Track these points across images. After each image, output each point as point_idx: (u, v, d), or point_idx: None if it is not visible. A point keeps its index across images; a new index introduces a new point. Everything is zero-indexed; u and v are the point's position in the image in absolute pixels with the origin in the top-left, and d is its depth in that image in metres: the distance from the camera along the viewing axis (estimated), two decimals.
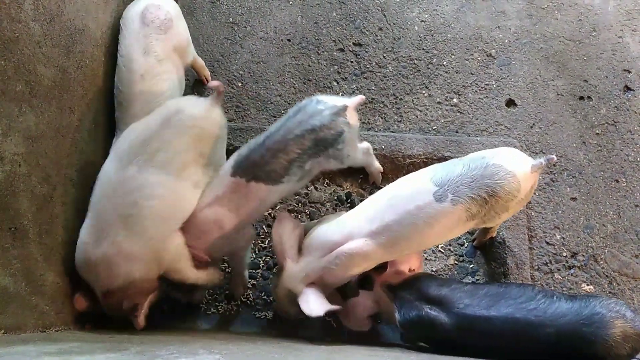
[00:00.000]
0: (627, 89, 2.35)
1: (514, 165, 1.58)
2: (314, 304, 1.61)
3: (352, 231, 1.63)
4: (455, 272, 2.10)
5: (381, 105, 2.31)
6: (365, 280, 1.77)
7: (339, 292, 1.80)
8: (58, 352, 1.25)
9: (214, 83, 1.81)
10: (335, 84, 2.34)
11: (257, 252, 2.12)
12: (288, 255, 1.71)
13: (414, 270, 1.78)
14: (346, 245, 1.62)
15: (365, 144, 1.99)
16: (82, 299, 1.69)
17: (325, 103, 1.73)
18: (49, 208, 1.60)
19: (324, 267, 1.65)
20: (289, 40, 2.41)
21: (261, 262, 2.11)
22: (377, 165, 2.11)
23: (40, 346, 1.31)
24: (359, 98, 1.78)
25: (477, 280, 2.10)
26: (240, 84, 2.34)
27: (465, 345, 1.59)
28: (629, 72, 2.37)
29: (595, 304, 1.48)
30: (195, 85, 2.31)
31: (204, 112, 1.74)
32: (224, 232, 1.74)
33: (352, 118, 1.76)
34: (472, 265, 2.13)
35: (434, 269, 2.10)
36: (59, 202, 1.64)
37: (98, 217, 1.66)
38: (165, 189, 1.66)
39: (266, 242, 2.13)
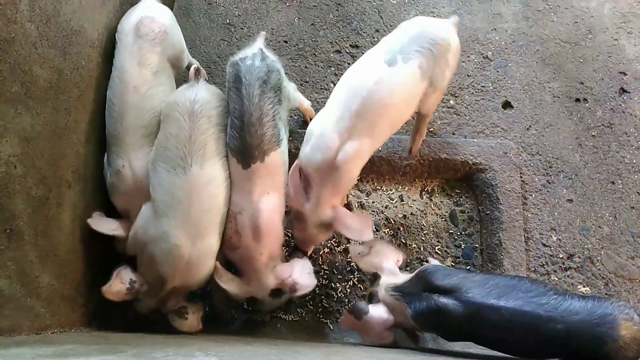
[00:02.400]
0: (623, 91, 2.36)
1: (441, 21, 1.87)
2: (354, 224, 1.74)
3: (332, 138, 1.70)
4: None
5: None
6: (370, 296, 1.75)
7: (350, 313, 1.76)
8: (53, 355, 1.24)
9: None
10: (332, 85, 2.34)
11: None
12: (303, 200, 1.76)
13: (398, 261, 1.81)
14: (338, 159, 1.68)
15: (292, 83, 2.05)
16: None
17: (247, 57, 1.79)
18: (45, 210, 1.60)
19: (331, 187, 1.72)
20: (285, 41, 2.42)
21: None
22: (306, 101, 2.20)
23: (35, 348, 1.31)
24: (262, 34, 1.91)
25: None
26: None
27: (476, 336, 1.59)
28: (625, 74, 2.38)
29: (607, 305, 1.48)
30: None
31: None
32: (281, 212, 1.79)
33: (271, 54, 1.84)
34: (469, 267, 2.14)
35: None
36: (54, 203, 1.64)
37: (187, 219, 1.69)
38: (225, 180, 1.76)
39: None
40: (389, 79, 1.70)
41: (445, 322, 1.58)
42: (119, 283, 1.70)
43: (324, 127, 1.73)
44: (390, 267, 1.77)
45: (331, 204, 1.75)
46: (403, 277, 1.73)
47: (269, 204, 1.74)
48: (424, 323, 1.65)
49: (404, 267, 2.06)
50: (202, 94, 1.76)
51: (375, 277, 1.79)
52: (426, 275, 1.65)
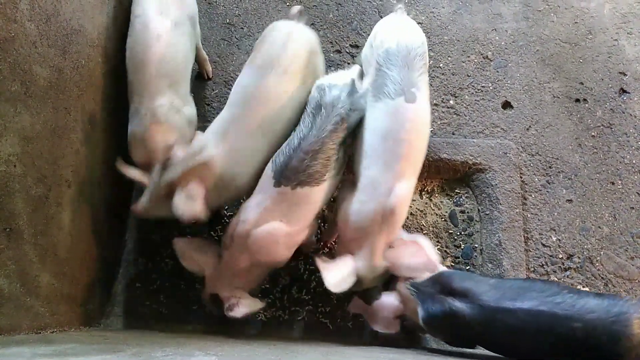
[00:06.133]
0: (623, 91, 2.36)
1: (407, 24, 1.89)
2: (413, 261, 1.70)
3: (383, 188, 1.68)
4: None
5: None
6: (387, 284, 1.77)
7: (361, 298, 1.80)
8: (53, 354, 1.24)
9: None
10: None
11: None
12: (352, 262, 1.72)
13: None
14: (392, 201, 1.66)
15: None
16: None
17: (336, 86, 1.75)
18: (44, 209, 1.60)
19: (389, 232, 1.69)
20: None
21: None
22: None
23: (35, 347, 1.30)
24: (357, 67, 1.84)
25: None
26: None
27: (488, 340, 1.59)
28: (625, 74, 2.38)
29: (622, 302, 1.47)
30: (195, 81, 2.31)
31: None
32: (283, 242, 1.72)
33: (360, 87, 1.80)
34: (468, 267, 2.13)
35: None
36: (54, 203, 1.64)
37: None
38: None
39: None
40: (419, 115, 1.72)
41: (458, 326, 1.57)
42: None
43: (370, 178, 1.71)
44: (416, 264, 1.74)
45: (382, 252, 1.72)
46: (422, 276, 1.72)
47: (270, 227, 1.69)
48: (434, 325, 1.64)
49: None
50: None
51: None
52: (443, 278, 1.64)
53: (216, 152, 1.74)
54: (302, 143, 1.68)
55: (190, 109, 1.93)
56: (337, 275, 1.66)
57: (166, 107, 1.81)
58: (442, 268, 1.72)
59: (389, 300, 1.75)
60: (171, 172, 1.75)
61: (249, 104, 1.75)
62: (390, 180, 1.68)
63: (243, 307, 1.70)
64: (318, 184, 1.70)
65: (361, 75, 1.88)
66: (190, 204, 1.71)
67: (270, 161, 1.74)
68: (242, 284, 1.74)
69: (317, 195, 1.72)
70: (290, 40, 1.79)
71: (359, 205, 1.71)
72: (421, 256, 1.68)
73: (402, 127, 1.69)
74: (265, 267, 1.78)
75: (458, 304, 1.56)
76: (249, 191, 1.78)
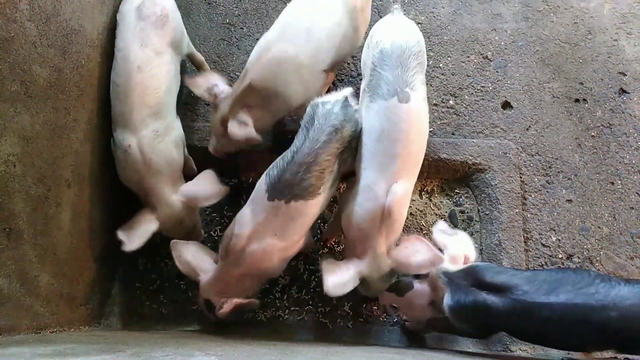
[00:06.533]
0: (622, 91, 2.36)
1: (403, 23, 1.89)
2: (419, 258, 1.69)
3: (379, 190, 1.68)
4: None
5: None
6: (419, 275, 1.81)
7: (393, 291, 1.81)
8: (52, 354, 1.24)
9: None
10: (332, 86, 2.34)
11: None
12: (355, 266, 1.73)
13: (469, 258, 1.79)
14: (388, 201, 1.66)
15: None
16: None
17: (328, 101, 1.74)
18: (44, 209, 1.60)
19: (388, 233, 1.70)
20: None
21: None
22: None
23: (34, 347, 1.30)
24: (349, 89, 1.83)
25: None
26: None
27: (523, 332, 1.62)
28: (624, 74, 2.38)
29: None
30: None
31: None
32: (278, 256, 1.71)
33: (355, 104, 1.79)
34: None
35: None
36: (53, 202, 1.64)
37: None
38: None
39: None
40: (399, 113, 1.70)
41: (488, 319, 1.59)
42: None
43: (368, 179, 1.71)
44: (456, 254, 1.77)
45: (386, 251, 1.73)
46: (455, 268, 1.74)
47: (264, 243, 1.68)
48: (461, 315, 1.66)
49: None
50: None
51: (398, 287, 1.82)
52: (477, 271, 1.65)
53: (254, 73, 1.83)
54: (296, 156, 1.66)
55: (175, 132, 1.95)
56: (337, 279, 1.65)
57: (150, 137, 1.83)
58: (475, 260, 1.76)
59: (422, 288, 1.77)
60: (222, 108, 1.88)
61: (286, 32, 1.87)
62: (386, 181, 1.68)
63: (231, 303, 1.69)
64: (312, 198, 1.68)
65: (354, 94, 1.86)
66: (242, 128, 1.84)
67: (264, 174, 1.73)
68: (236, 293, 1.74)
69: (311, 209, 1.70)
70: None
71: (359, 206, 1.71)
72: (426, 252, 1.68)
73: (396, 127, 1.69)
74: (258, 279, 1.78)
75: (492, 298, 1.58)
76: (302, 105, 1.84)
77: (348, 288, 1.66)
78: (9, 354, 1.21)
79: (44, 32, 1.56)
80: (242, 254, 1.68)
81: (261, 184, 1.71)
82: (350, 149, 1.75)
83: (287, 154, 1.70)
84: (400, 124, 1.68)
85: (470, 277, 1.64)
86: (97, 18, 1.88)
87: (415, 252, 1.70)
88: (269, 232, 1.67)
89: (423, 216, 2.21)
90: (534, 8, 2.48)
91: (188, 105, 2.27)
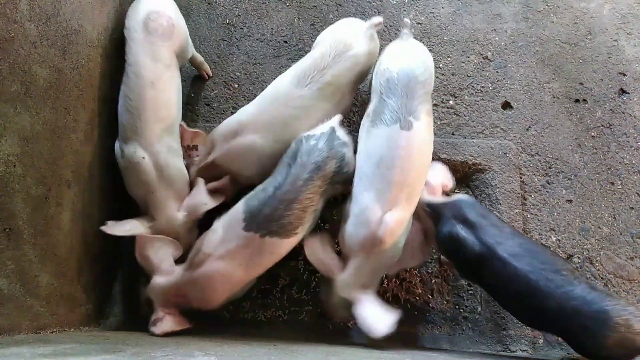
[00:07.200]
0: (622, 91, 2.36)
1: (413, 47, 1.91)
2: (374, 324, 1.61)
3: (374, 216, 1.65)
4: (451, 274, 2.10)
5: None
6: None
7: None
8: (53, 354, 1.24)
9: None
10: None
11: None
12: (334, 268, 1.71)
13: (447, 186, 1.85)
14: (382, 229, 1.64)
15: None
16: None
17: (314, 135, 1.72)
18: (44, 209, 1.60)
19: (373, 261, 1.68)
20: (285, 42, 2.42)
21: None
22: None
23: (34, 348, 1.30)
24: (338, 116, 1.80)
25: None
26: (236, 86, 2.33)
27: (480, 279, 1.67)
28: (624, 75, 2.38)
29: (608, 302, 1.48)
30: (195, 81, 2.31)
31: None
32: (231, 286, 1.70)
33: (343, 135, 1.77)
34: None
35: (429, 270, 2.10)
36: (54, 203, 1.64)
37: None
38: None
39: None
40: (402, 140, 1.67)
41: (460, 253, 1.65)
42: None
43: (365, 199, 1.68)
44: (434, 185, 1.81)
45: (363, 287, 1.70)
46: (441, 199, 1.78)
47: (227, 268, 1.66)
48: (442, 246, 1.74)
49: None
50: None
51: None
52: (460, 204, 1.71)
53: (219, 155, 1.90)
54: (277, 192, 1.64)
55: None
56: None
57: (164, 152, 1.84)
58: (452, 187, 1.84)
59: (414, 229, 1.80)
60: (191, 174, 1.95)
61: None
62: (382, 208, 1.65)
63: (166, 324, 1.69)
64: (288, 237, 1.66)
65: (342, 121, 1.85)
66: (194, 204, 1.90)
67: (243, 202, 1.71)
68: (179, 305, 1.74)
69: (283, 247, 1.69)
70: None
71: (352, 228, 1.70)
72: (381, 321, 1.63)
73: (395, 154, 1.66)
74: (198, 302, 1.75)
75: (464, 233, 1.64)
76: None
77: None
78: (10, 354, 1.21)
79: (44, 32, 1.56)
80: (202, 272, 1.67)
81: (238, 212, 1.69)
82: (334, 184, 1.73)
83: (269, 188, 1.68)
84: (399, 151, 1.66)
85: (454, 208, 1.69)
86: (97, 18, 1.88)
87: (374, 315, 1.65)
88: (235, 262, 1.65)
89: None
90: (534, 8, 2.48)
91: (188, 105, 2.27)
